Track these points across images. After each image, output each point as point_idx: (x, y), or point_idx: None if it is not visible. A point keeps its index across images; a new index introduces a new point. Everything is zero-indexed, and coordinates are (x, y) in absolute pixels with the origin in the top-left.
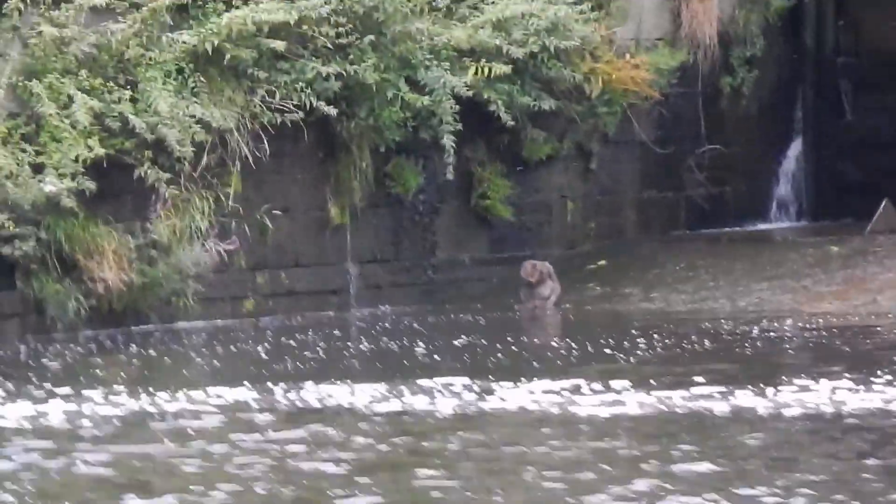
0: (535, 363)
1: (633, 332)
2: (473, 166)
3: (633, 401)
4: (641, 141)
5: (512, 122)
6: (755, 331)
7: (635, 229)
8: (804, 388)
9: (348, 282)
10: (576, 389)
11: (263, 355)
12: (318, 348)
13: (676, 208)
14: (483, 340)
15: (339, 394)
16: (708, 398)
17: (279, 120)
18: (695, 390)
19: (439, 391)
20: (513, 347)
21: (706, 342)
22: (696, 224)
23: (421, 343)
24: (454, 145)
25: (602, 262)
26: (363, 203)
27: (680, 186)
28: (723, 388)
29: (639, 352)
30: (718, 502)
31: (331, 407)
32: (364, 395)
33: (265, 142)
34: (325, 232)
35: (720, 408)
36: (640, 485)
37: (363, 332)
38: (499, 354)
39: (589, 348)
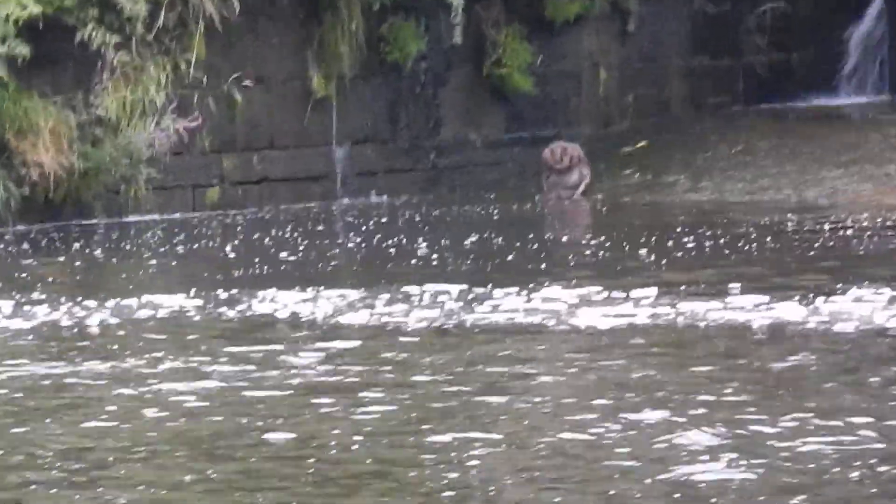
0: (551, 266)
1: (677, 228)
2: (486, 28)
3: (652, 313)
4: None
5: None
6: (825, 227)
7: (682, 104)
8: (860, 299)
9: (334, 167)
10: (586, 298)
11: (227, 257)
12: (294, 248)
13: (732, 78)
14: (496, 238)
15: (300, 304)
16: (749, 310)
17: None
18: (733, 300)
19: (424, 300)
20: (530, 246)
21: (765, 239)
22: (756, 97)
23: (419, 242)
24: (463, 2)
25: (642, 143)
26: (353, 72)
27: (736, 52)
28: (766, 298)
29: (680, 253)
30: (736, 438)
31: (283, 319)
32: (328, 305)
33: None
34: (306, 107)
35: (760, 321)
36: (639, 414)
37: (351, 227)
38: (511, 255)
39: (622, 248)
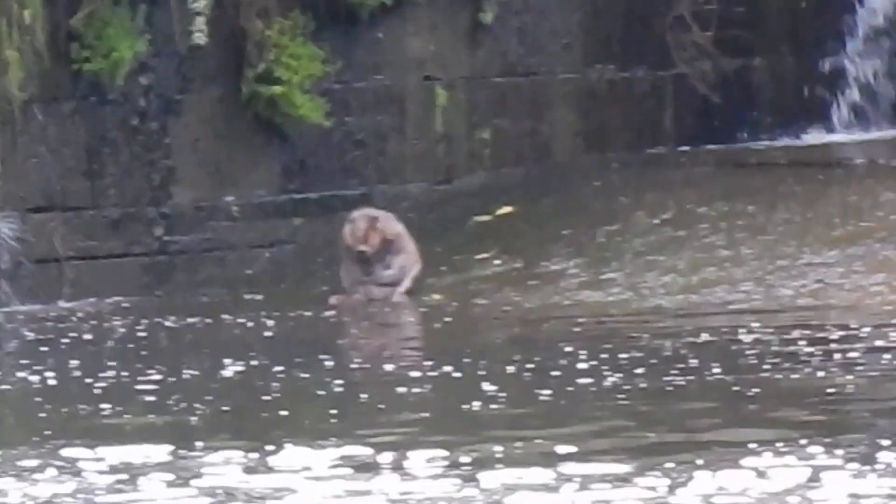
0: (345, 427)
1: (560, 357)
2: (248, 19)
3: None
4: None
5: None
6: (806, 352)
7: (573, 144)
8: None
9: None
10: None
11: None
12: None
13: (654, 102)
14: (259, 377)
15: None
16: None
17: None
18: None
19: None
20: (315, 393)
21: (707, 373)
22: (694, 134)
23: (129, 381)
24: None
25: (506, 209)
26: (26, 94)
27: (662, 58)
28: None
29: (564, 401)
30: None
31: None
32: None
33: None
34: None
35: None
36: None
37: (25, 353)
38: (284, 410)
39: (462, 394)
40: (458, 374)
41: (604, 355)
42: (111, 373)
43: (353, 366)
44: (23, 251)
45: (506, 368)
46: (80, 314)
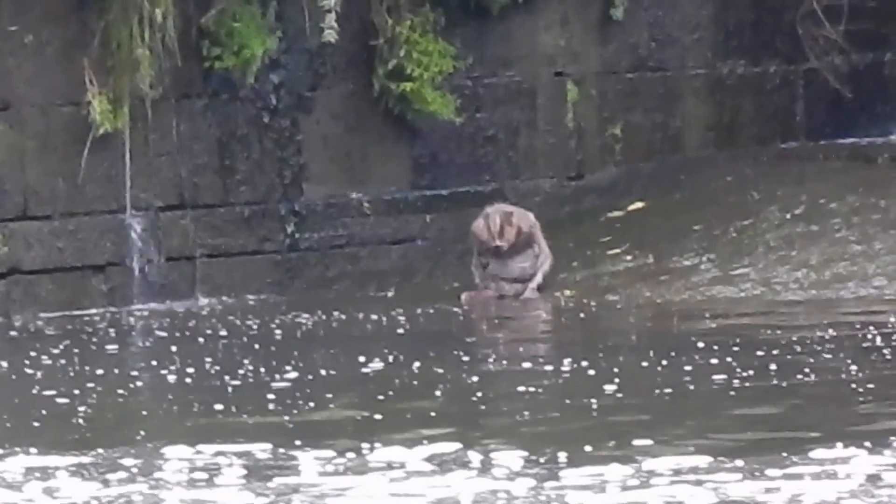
0: (490, 421)
1: (695, 354)
2: (378, 15)
3: None
4: None
5: None
6: None
7: (703, 139)
8: None
9: (129, 248)
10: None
11: None
12: (63, 385)
13: (786, 96)
14: (394, 370)
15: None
16: None
17: None
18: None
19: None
20: (448, 387)
21: (845, 368)
22: (826, 127)
23: (273, 372)
24: None
25: (638, 205)
26: (158, 92)
27: (793, 51)
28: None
29: (702, 399)
30: None
31: None
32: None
33: None
34: (81, 150)
35: None
36: None
37: (159, 349)
38: (422, 399)
39: (600, 390)
40: (592, 371)
41: (733, 352)
42: (248, 369)
43: (489, 361)
44: (154, 249)
45: (641, 364)
46: (212, 311)
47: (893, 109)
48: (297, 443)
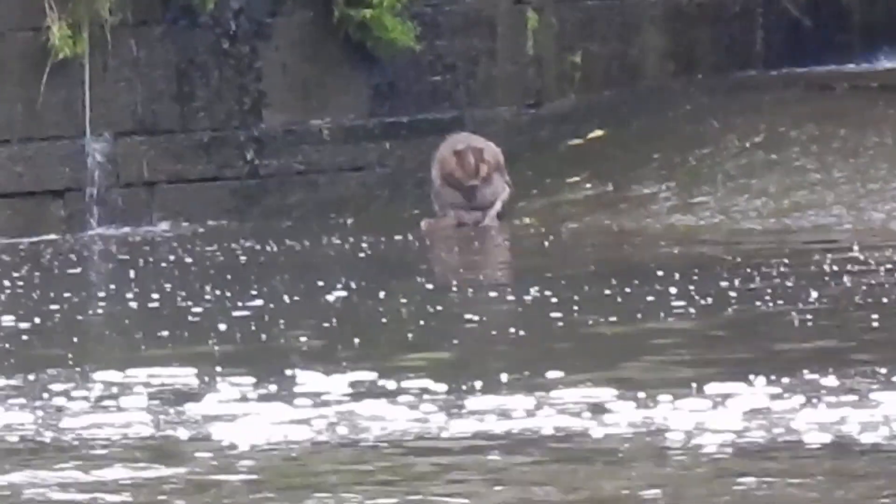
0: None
1: (653, 282)
2: None
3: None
4: None
5: None
6: None
7: (662, 67)
8: None
9: (87, 173)
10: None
11: None
12: (18, 308)
13: (745, 25)
14: (356, 295)
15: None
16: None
17: None
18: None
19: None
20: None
21: (801, 300)
22: (785, 56)
23: (229, 298)
24: None
25: (597, 133)
26: (117, 17)
27: None
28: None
29: (660, 336)
30: None
31: None
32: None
33: None
34: (40, 76)
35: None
36: None
37: (117, 275)
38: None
39: (560, 322)
40: (555, 300)
41: (691, 281)
42: (213, 296)
43: (452, 289)
44: (112, 174)
45: (602, 292)
46: (171, 238)
47: (852, 38)
48: (219, 369)
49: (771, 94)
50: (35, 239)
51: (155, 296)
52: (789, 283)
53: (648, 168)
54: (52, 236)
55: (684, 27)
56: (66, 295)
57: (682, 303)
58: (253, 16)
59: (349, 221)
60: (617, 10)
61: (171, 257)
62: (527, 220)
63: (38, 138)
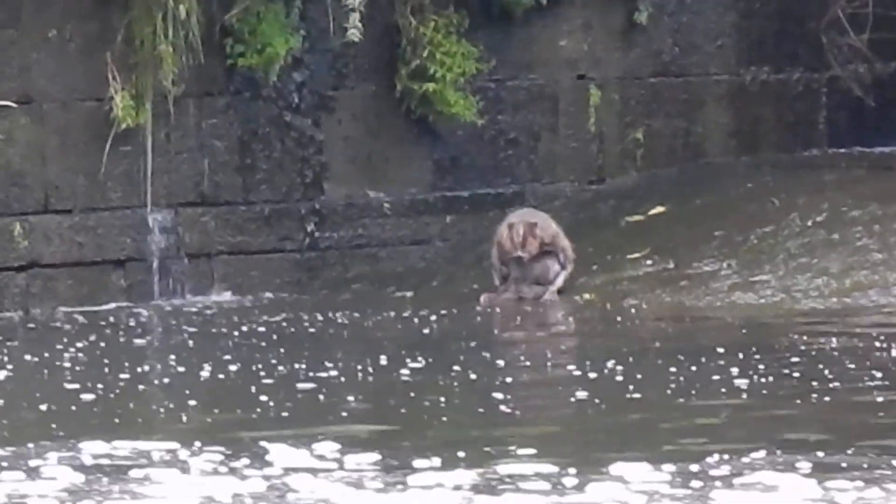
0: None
1: (719, 361)
2: (402, 16)
3: None
4: None
5: None
6: None
7: (725, 146)
8: None
9: (149, 244)
10: None
11: None
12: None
13: (809, 104)
14: (413, 372)
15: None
16: None
17: None
18: None
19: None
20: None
21: (867, 377)
22: (849, 136)
23: (295, 373)
24: None
25: (659, 209)
26: (180, 89)
27: (817, 60)
28: None
29: (724, 414)
30: None
31: None
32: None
33: None
34: (103, 145)
35: None
36: None
37: (178, 346)
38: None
39: (621, 402)
40: (619, 378)
41: (753, 360)
42: (279, 369)
43: (520, 365)
44: (175, 246)
45: (663, 373)
46: (231, 309)
47: None
48: (198, 444)
49: (833, 173)
50: (95, 308)
51: (217, 366)
52: (851, 364)
53: (710, 245)
54: (112, 306)
55: (748, 105)
56: (127, 364)
57: (744, 386)
58: (316, 88)
59: (408, 295)
60: (681, 88)
61: (230, 330)
62: (587, 296)
63: (101, 208)
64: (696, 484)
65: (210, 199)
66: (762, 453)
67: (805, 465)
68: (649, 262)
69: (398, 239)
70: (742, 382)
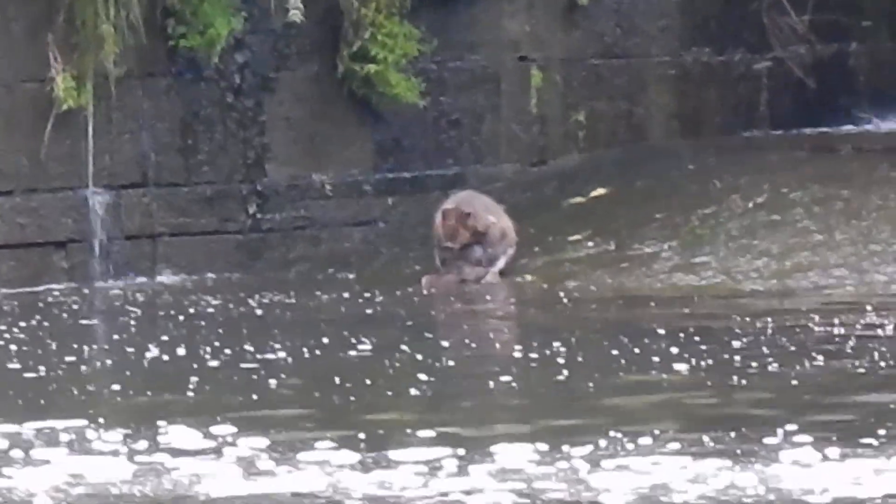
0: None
1: (661, 342)
2: None
3: None
4: None
5: None
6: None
7: (667, 127)
8: None
9: (91, 225)
10: None
11: None
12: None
13: (750, 86)
14: (352, 351)
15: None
16: None
17: None
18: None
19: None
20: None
21: (800, 361)
22: (790, 118)
23: (226, 354)
24: None
25: (600, 191)
26: (122, 70)
27: (758, 42)
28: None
29: (655, 389)
30: None
31: None
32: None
33: None
34: (44, 126)
35: None
36: None
37: (117, 326)
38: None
39: (555, 379)
40: (561, 360)
41: (693, 342)
42: (225, 351)
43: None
44: (117, 227)
45: (604, 353)
46: (173, 290)
47: (857, 100)
48: (103, 426)
49: (775, 155)
50: (34, 290)
51: (159, 348)
52: (791, 346)
53: (651, 227)
54: (54, 286)
55: (690, 87)
56: (74, 346)
57: (684, 365)
58: (258, 70)
59: (351, 276)
60: (623, 70)
61: (173, 311)
62: (529, 278)
63: (43, 189)
64: (562, 465)
65: (152, 180)
66: (670, 433)
67: (709, 447)
68: (591, 243)
69: (340, 220)
70: (681, 364)
